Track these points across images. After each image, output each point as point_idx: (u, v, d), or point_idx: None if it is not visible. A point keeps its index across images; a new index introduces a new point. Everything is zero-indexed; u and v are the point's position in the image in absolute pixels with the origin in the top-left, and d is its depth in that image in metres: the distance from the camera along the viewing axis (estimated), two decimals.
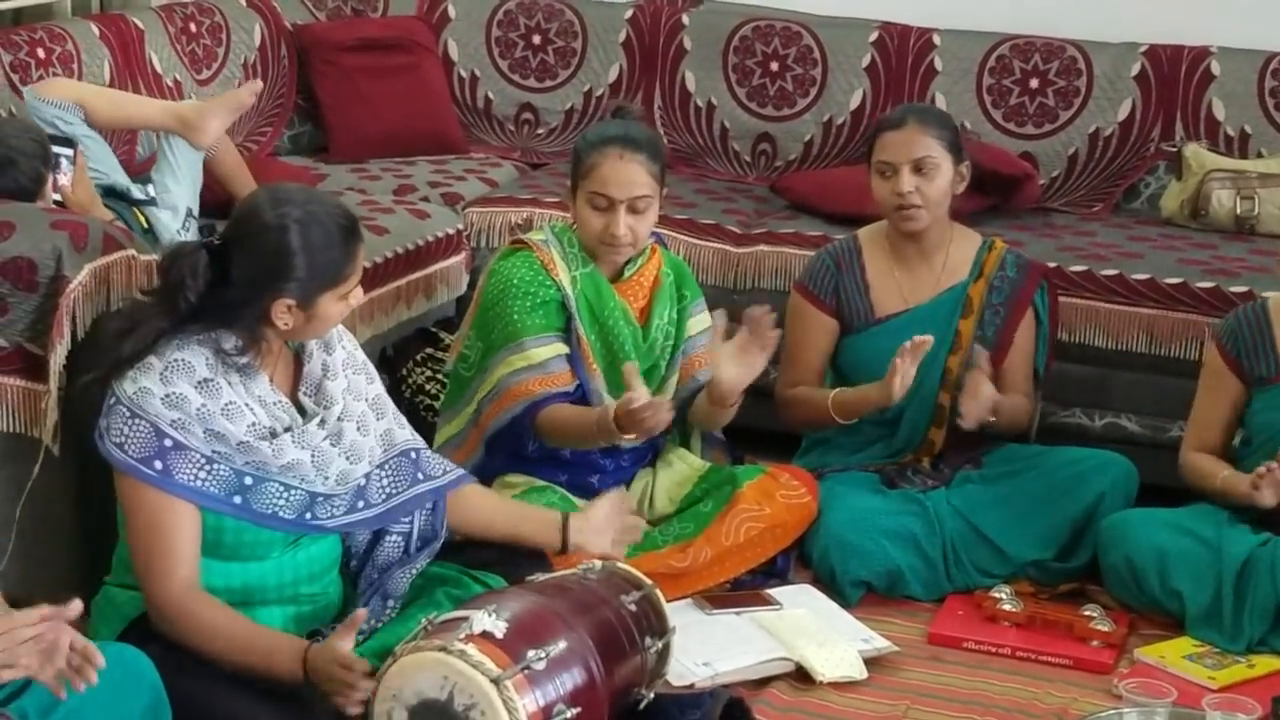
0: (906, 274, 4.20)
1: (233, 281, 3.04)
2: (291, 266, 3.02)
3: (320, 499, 3.14)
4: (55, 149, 3.92)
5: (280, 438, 3.08)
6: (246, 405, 3.07)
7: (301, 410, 3.17)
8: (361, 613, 2.99)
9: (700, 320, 4.09)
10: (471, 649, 2.77)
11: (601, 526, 3.46)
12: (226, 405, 3.04)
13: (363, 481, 3.21)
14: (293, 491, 3.10)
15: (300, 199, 3.09)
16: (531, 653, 2.81)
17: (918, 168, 4.06)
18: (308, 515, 3.13)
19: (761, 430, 4.39)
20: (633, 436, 3.71)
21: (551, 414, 3.83)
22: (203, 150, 4.43)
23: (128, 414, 3.00)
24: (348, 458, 3.17)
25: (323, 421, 3.15)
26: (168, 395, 3.01)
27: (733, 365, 3.83)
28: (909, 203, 4.08)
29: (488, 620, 2.82)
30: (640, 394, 3.62)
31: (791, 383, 4.22)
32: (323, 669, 2.88)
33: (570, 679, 2.85)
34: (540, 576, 3.15)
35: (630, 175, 3.85)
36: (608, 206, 3.85)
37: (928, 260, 4.21)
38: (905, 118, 4.12)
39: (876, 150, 4.12)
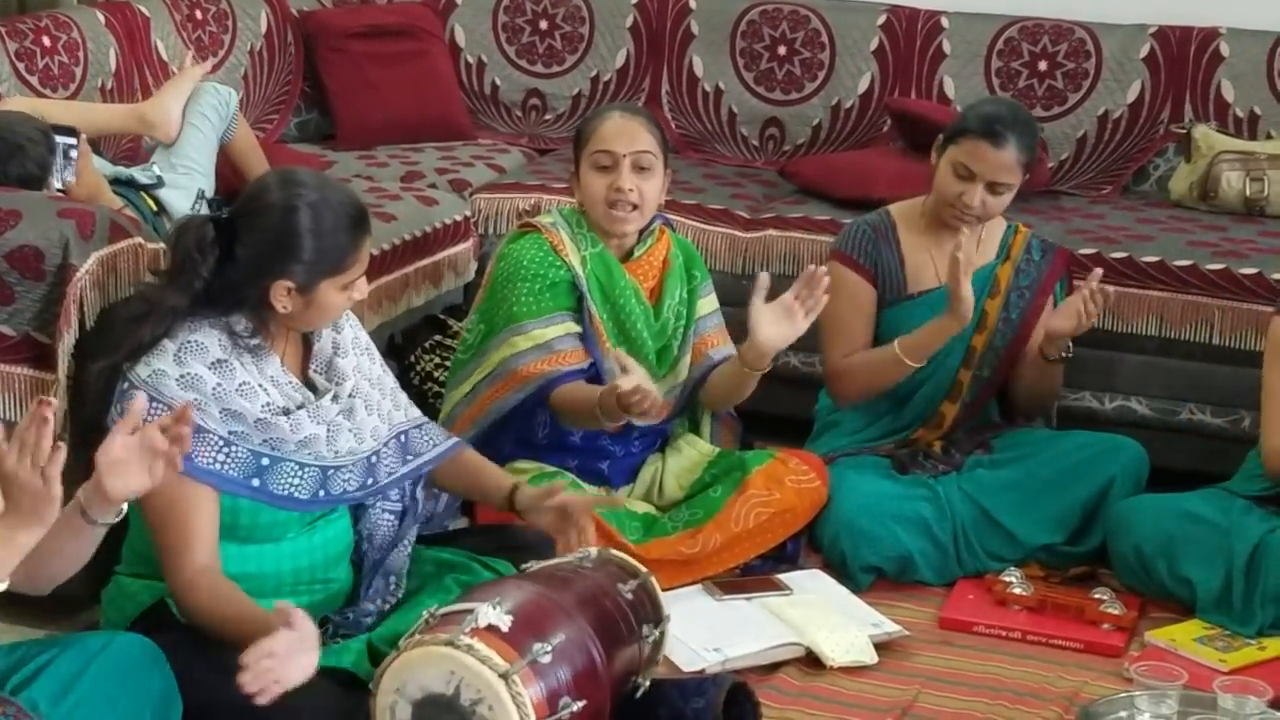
0: (940, 253, 4.16)
1: (237, 259, 3.04)
2: (296, 248, 3.02)
3: (331, 471, 3.14)
4: (59, 138, 3.92)
5: (296, 414, 3.09)
6: (260, 386, 3.07)
7: (313, 388, 3.17)
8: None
9: (709, 301, 4.08)
10: (478, 643, 2.76)
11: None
12: (241, 385, 3.05)
13: (373, 459, 3.22)
14: (307, 469, 3.10)
15: (312, 183, 3.10)
16: (536, 645, 2.80)
17: (994, 187, 4.05)
18: (321, 492, 3.13)
19: (771, 415, 4.38)
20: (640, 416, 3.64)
21: (564, 392, 3.81)
22: (168, 138, 4.45)
23: (144, 398, 2.99)
24: (355, 435, 3.18)
25: (336, 397, 3.16)
26: (183, 376, 3.01)
27: (774, 325, 3.77)
28: (969, 214, 4.06)
29: (492, 613, 2.81)
30: (628, 380, 3.53)
31: (844, 353, 4.13)
32: None
33: (574, 669, 2.84)
34: (534, 565, 3.14)
35: (632, 130, 3.87)
36: (611, 164, 3.84)
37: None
38: (1008, 138, 4.00)
39: (967, 152, 4.02)
